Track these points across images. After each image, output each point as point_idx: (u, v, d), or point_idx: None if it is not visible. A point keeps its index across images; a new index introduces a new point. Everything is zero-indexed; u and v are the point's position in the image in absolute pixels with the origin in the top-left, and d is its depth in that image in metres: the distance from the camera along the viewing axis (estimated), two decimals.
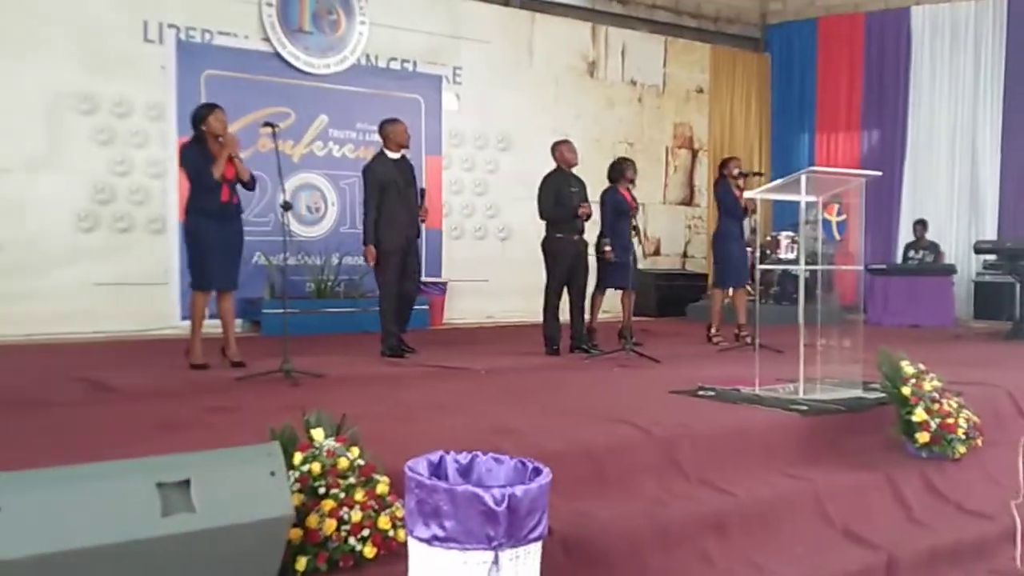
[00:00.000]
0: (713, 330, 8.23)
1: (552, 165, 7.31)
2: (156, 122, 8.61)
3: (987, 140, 11.53)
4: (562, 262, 7.09)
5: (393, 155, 6.81)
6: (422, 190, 7.01)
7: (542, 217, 7.18)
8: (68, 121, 8.23)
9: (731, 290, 8.38)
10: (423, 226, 7.07)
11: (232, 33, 9.02)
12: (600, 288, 7.64)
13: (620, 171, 7.70)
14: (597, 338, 7.49)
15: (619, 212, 7.44)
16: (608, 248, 7.32)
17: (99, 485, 2.22)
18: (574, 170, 7.31)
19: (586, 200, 7.18)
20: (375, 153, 7.02)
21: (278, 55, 9.23)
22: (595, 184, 7.59)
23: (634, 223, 7.34)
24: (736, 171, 8.09)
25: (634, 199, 7.68)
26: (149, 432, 3.88)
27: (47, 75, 8.08)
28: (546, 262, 7.18)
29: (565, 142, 7.40)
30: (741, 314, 8.20)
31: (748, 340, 7.62)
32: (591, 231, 7.46)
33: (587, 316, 7.52)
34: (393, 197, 6.68)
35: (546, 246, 7.18)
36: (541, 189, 7.20)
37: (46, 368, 6.08)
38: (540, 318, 7.21)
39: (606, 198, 7.55)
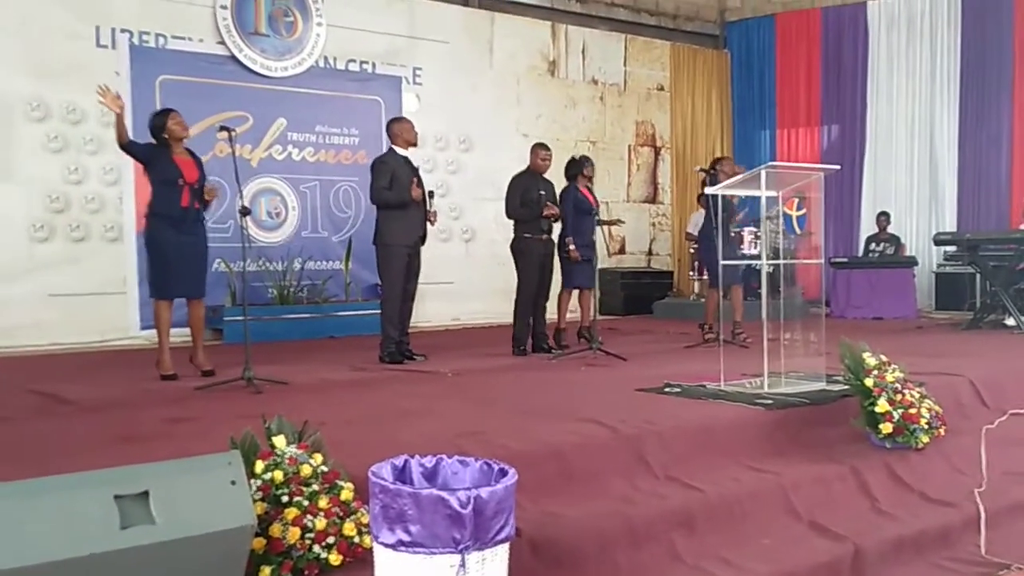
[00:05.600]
0: (707, 327, 7.91)
1: (525, 165, 7.31)
2: (110, 128, 8.35)
3: (945, 132, 11.68)
4: (532, 261, 7.08)
5: (402, 152, 6.70)
6: (430, 192, 6.77)
7: (509, 216, 7.17)
8: (19, 128, 8.08)
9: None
10: (431, 228, 6.81)
11: (187, 37, 8.90)
12: (566, 287, 7.61)
13: (578, 168, 7.60)
14: (566, 338, 7.46)
15: (580, 210, 7.39)
16: (572, 248, 7.29)
17: (55, 499, 2.17)
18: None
19: (554, 202, 7.18)
20: (384, 152, 6.86)
21: (234, 58, 9.13)
22: (558, 183, 7.58)
23: (599, 217, 7.30)
24: (729, 171, 7.64)
25: (594, 197, 7.60)
26: (106, 444, 3.81)
27: None
28: (516, 263, 7.16)
29: (544, 148, 7.35)
30: (737, 312, 7.92)
31: (744, 339, 7.43)
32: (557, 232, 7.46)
33: (554, 317, 7.50)
34: (403, 193, 6.52)
35: (515, 246, 7.17)
36: (509, 189, 7.19)
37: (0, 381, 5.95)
38: (505, 319, 7.18)
39: (565, 196, 7.46)
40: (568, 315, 7.76)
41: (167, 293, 5.85)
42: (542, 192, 7.13)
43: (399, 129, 6.74)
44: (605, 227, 7.72)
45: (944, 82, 11.70)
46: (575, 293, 7.67)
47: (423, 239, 6.77)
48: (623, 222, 9.07)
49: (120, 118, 5.66)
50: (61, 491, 2.20)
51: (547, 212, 7.04)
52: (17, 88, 8.04)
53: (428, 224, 6.76)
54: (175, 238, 5.73)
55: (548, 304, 7.39)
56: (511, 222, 7.19)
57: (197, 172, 5.85)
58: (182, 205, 5.73)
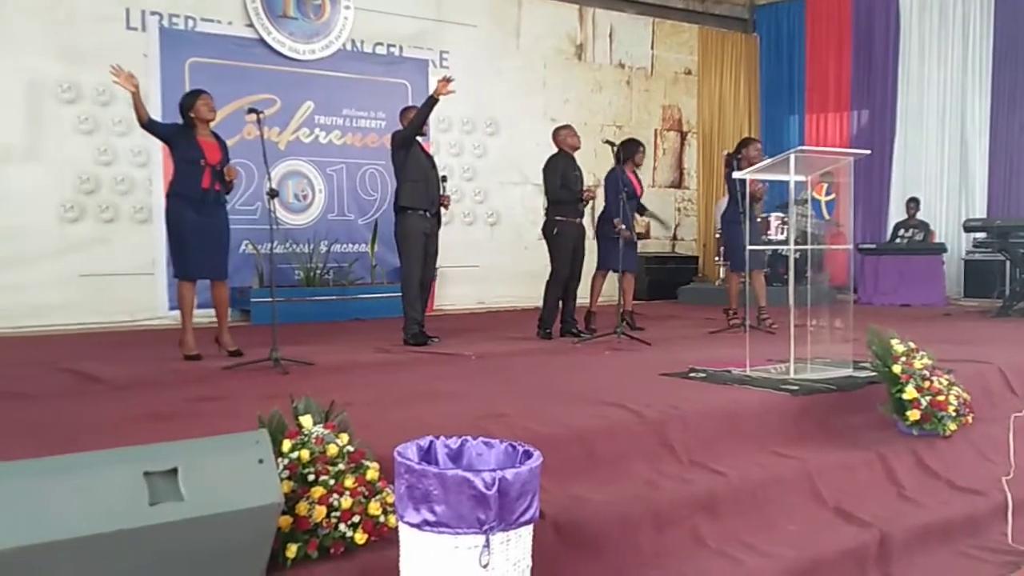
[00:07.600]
0: (731, 312, 7.89)
1: (551, 151, 7.29)
2: None
3: (976, 118, 11.51)
4: (566, 244, 7.07)
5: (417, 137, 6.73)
6: (443, 176, 6.85)
7: (549, 198, 7.17)
8: (50, 110, 8.15)
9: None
10: (452, 213, 6.84)
11: (216, 20, 8.94)
12: (602, 270, 7.59)
13: (631, 152, 7.65)
14: (596, 322, 7.44)
15: (627, 194, 7.29)
16: (622, 227, 7.12)
17: (85, 475, 2.19)
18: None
19: (583, 184, 7.20)
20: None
21: (262, 41, 9.16)
22: (585, 167, 7.55)
23: (645, 208, 7.35)
24: (754, 154, 7.54)
25: (640, 183, 7.67)
26: (136, 422, 3.86)
27: (28, 64, 8.01)
28: (549, 246, 7.15)
29: (567, 127, 7.37)
30: (760, 297, 7.77)
31: (770, 325, 7.30)
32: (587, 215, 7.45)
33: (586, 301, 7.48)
34: (416, 174, 6.56)
35: (548, 229, 7.15)
36: (546, 171, 7.18)
37: (31, 360, 6.04)
38: (529, 303, 7.18)
39: (611, 178, 7.42)
40: (600, 299, 7.73)
41: (188, 274, 5.86)
42: (577, 174, 7.14)
43: (408, 118, 6.75)
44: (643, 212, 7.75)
45: (976, 68, 11.50)
46: (614, 276, 7.65)
47: (436, 217, 6.74)
48: (663, 222, 9.04)
49: (137, 97, 5.64)
50: (91, 467, 2.22)
51: (587, 195, 7.06)
52: (48, 70, 8.11)
53: (443, 208, 6.80)
54: (195, 219, 5.74)
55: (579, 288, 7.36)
56: (539, 206, 7.20)
57: (220, 154, 5.85)
58: (203, 186, 5.74)
